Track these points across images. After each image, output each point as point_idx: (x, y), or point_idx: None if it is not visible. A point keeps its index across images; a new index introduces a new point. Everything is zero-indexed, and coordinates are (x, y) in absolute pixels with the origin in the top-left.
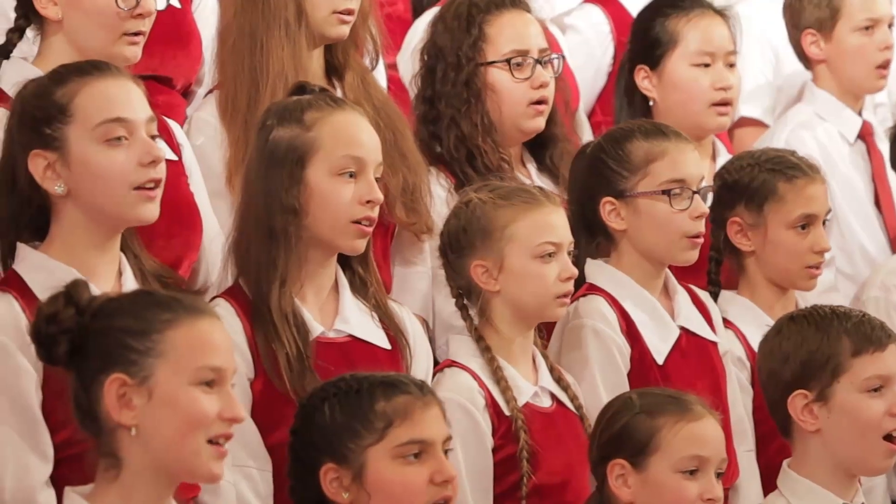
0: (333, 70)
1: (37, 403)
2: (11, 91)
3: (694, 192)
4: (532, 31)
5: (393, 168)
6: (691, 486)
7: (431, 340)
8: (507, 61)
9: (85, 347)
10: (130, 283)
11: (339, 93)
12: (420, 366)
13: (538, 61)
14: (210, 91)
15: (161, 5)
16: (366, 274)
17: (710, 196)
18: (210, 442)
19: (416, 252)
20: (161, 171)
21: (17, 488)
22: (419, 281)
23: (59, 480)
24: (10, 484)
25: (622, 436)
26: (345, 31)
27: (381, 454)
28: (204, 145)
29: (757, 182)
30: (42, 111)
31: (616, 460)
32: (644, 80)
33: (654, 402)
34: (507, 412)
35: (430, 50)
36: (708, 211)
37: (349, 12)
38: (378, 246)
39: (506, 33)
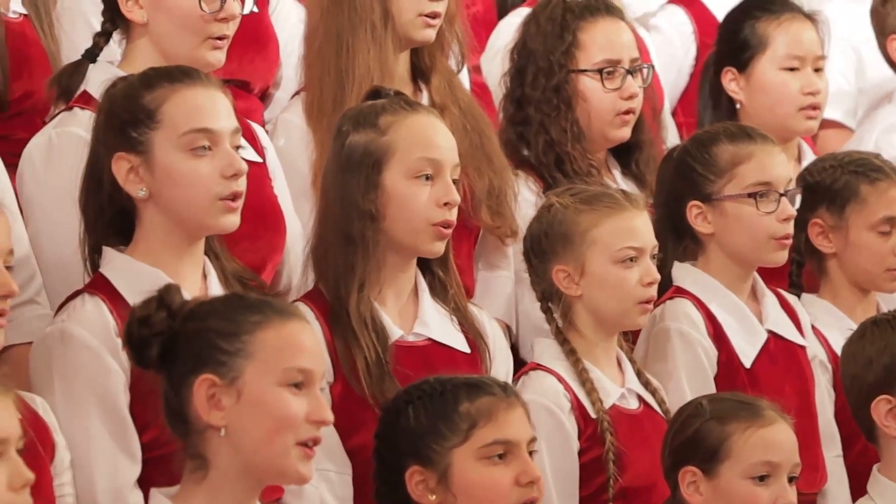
0: (420, 73)
1: (125, 405)
2: (98, 94)
3: (781, 195)
4: (624, 39)
5: (479, 171)
6: (763, 493)
7: (515, 345)
8: (599, 70)
9: (175, 350)
10: (215, 286)
11: (425, 96)
12: (500, 369)
13: (629, 71)
14: (297, 93)
15: (247, 10)
16: (446, 277)
17: (797, 198)
18: (298, 444)
19: (501, 256)
20: (242, 184)
21: (108, 489)
22: (503, 285)
23: (143, 482)
24: (102, 484)
25: (693, 443)
26: (431, 34)
27: (466, 455)
28: (290, 147)
29: (839, 184)
30: (129, 114)
31: (687, 467)
32: (731, 82)
33: (725, 407)
34: (592, 414)
35: (521, 51)
36: (795, 213)
37: (435, 15)
38: (463, 249)
39: (599, 41)
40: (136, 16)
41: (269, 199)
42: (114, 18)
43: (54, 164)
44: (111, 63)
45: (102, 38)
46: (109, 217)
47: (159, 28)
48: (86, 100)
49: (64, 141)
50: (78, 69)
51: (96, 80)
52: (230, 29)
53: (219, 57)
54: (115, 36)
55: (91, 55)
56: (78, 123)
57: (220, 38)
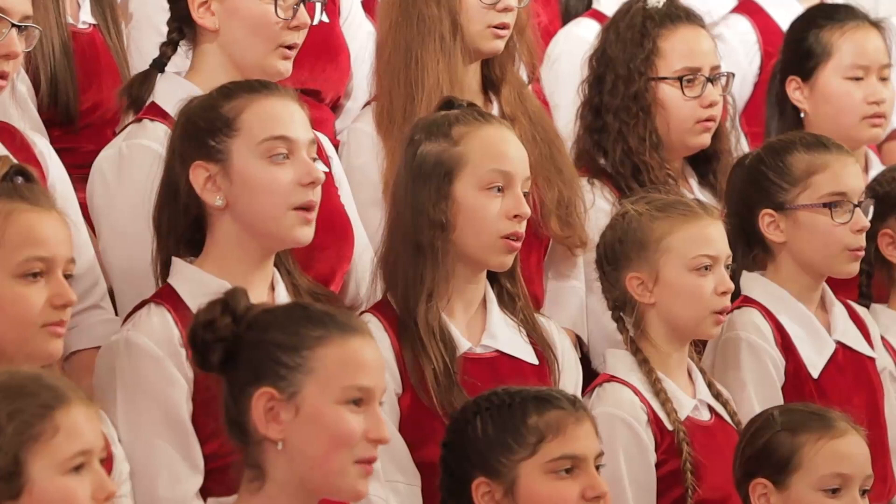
0: (490, 84)
1: (188, 415)
2: (167, 106)
3: (855, 206)
4: (705, 47)
5: (549, 181)
6: None
7: (585, 355)
8: (679, 78)
9: (237, 357)
10: (283, 298)
11: (495, 107)
12: (568, 381)
13: (709, 79)
14: (367, 103)
15: (316, 20)
16: (514, 289)
17: (871, 209)
18: (357, 462)
19: (570, 266)
20: (318, 194)
21: (169, 499)
22: (572, 295)
23: (205, 493)
24: (163, 494)
25: (764, 454)
26: (499, 45)
27: (533, 469)
28: (361, 156)
29: None
30: (208, 123)
31: (758, 479)
32: (795, 91)
33: (796, 419)
34: (669, 426)
35: (600, 59)
36: (869, 224)
37: (504, 27)
38: (532, 259)
39: (679, 49)
40: (207, 22)
41: (336, 208)
42: (181, 27)
43: (125, 176)
44: (178, 73)
45: (169, 48)
46: (183, 229)
47: (231, 35)
48: (155, 111)
49: (134, 153)
50: (147, 79)
51: (164, 91)
52: (300, 38)
53: (287, 66)
54: (182, 46)
55: (159, 64)
56: (148, 135)
57: (289, 47)
